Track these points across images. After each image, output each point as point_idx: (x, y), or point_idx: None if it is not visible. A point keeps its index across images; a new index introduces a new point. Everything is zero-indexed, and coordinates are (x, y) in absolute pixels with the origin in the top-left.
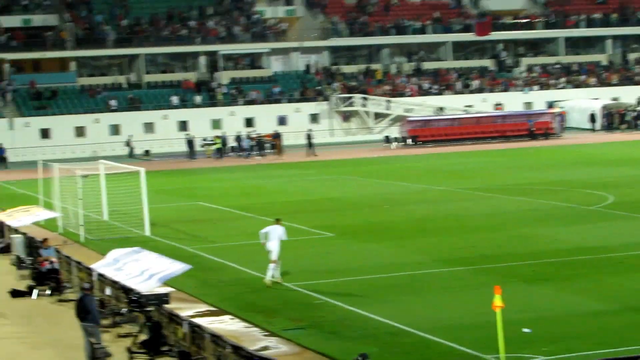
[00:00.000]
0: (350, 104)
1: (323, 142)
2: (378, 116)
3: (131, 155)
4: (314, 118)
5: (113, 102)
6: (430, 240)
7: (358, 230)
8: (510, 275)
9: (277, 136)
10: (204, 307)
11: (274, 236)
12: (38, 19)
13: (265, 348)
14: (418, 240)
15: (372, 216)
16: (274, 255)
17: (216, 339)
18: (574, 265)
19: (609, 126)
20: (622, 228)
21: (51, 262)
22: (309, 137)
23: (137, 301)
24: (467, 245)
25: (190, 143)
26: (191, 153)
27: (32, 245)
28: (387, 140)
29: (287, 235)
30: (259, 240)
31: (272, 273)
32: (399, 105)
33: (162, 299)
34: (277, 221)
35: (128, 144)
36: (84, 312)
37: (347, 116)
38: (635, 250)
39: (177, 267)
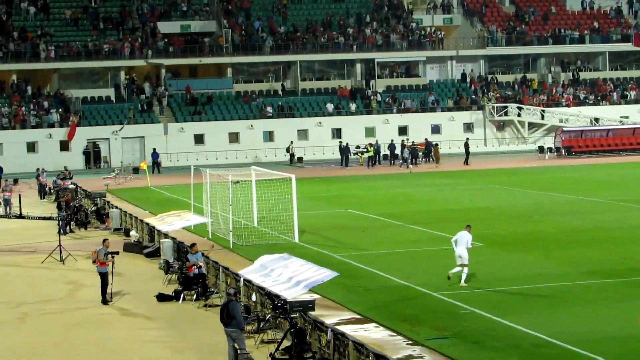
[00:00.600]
0: (505, 114)
1: (476, 152)
2: (532, 126)
3: (292, 162)
4: (468, 127)
5: (269, 109)
6: (579, 251)
7: (507, 240)
8: None
9: (431, 145)
10: (349, 315)
11: (462, 242)
12: (196, 25)
13: (409, 357)
14: (567, 252)
15: (522, 226)
16: (463, 261)
17: (359, 346)
18: None
19: None
20: None
21: (199, 267)
22: (466, 146)
23: (282, 307)
24: (617, 258)
25: (343, 150)
26: (344, 160)
27: (181, 250)
28: (541, 150)
29: (472, 243)
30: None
31: (464, 277)
32: (554, 115)
33: (307, 305)
34: (467, 227)
35: (289, 150)
36: (228, 317)
37: (500, 125)
38: None
39: (324, 275)
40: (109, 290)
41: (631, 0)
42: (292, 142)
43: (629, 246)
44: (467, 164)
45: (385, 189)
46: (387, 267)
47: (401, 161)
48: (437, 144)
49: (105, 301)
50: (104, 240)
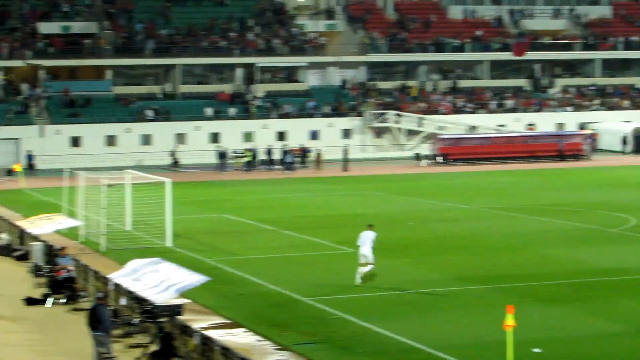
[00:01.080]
0: (383, 120)
1: (354, 158)
2: (411, 133)
3: (173, 166)
4: (347, 133)
5: (149, 112)
6: (450, 258)
7: (380, 246)
8: (526, 295)
9: (308, 150)
10: (218, 320)
11: (366, 241)
12: (77, 27)
13: None
14: (437, 258)
15: (395, 233)
16: (368, 260)
17: (226, 351)
18: (591, 287)
19: (639, 149)
20: None
21: (68, 271)
22: (345, 152)
23: (149, 312)
24: (486, 264)
25: (221, 155)
26: (221, 165)
27: (51, 253)
28: (418, 157)
29: (375, 242)
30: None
31: (360, 275)
32: (432, 123)
33: (175, 310)
34: (370, 227)
35: (173, 154)
36: (95, 321)
37: (379, 132)
38: None
39: (195, 279)
40: None
41: (512, 10)
42: (177, 146)
43: (498, 253)
44: (346, 170)
45: (262, 194)
46: (259, 272)
47: (281, 166)
48: (319, 151)
49: None
50: None
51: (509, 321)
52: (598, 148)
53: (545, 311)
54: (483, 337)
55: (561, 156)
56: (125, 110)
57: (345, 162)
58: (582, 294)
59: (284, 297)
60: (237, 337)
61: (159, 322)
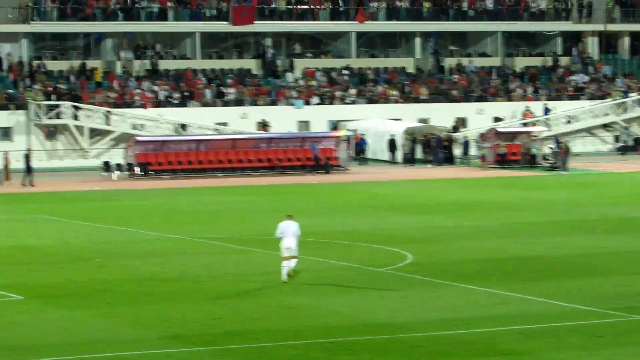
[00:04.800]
0: (57, 115)
1: (15, 168)
2: (96, 133)
3: None
4: (6, 133)
5: None
6: (157, 308)
7: (58, 291)
8: None
9: None
10: None
11: (289, 233)
12: None
13: None
14: (140, 308)
15: (79, 273)
16: (292, 252)
17: None
18: (354, 349)
19: (412, 158)
20: (419, 298)
21: None
22: (27, 158)
23: None
24: (210, 317)
25: None
26: None
27: None
28: (107, 167)
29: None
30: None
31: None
32: (125, 120)
33: None
34: (289, 216)
35: None
36: None
37: (52, 132)
38: (435, 331)
39: None
40: None
41: None
42: None
43: (227, 301)
44: (32, 185)
45: None
46: None
47: None
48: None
49: None
50: None
51: None
52: (359, 156)
53: None
54: None
55: (314, 166)
56: None
57: (28, 172)
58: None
59: None
60: None
61: None
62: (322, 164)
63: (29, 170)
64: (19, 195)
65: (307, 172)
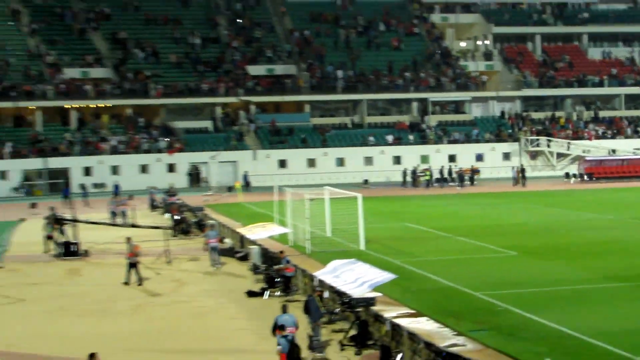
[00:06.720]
0: (537, 145)
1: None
2: (560, 156)
3: (364, 184)
4: (506, 156)
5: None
6: (597, 260)
7: (537, 250)
8: None
9: (477, 170)
10: (404, 310)
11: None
12: (279, 69)
13: (453, 345)
14: (586, 261)
15: (550, 239)
16: None
17: (412, 335)
18: None
19: None
20: None
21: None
22: (522, 170)
23: (348, 303)
24: (629, 266)
25: (404, 174)
26: (405, 182)
27: (267, 255)
28: (567, 176)
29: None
30: None
31: None
32: (578, 147)
33: (369, 301)
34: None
35: (415, 172)
36: (306, 311)
37: (534, 155)
38: None
39: (384, 276)
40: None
41: None
42: (418, 166)
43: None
44: (524, 186)
45: (438, 206)
46: (436, 271)
47: (453, 183)
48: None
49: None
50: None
51: None
52: None
53: None
54: (630, 325)
55: None
56: (322, 137)
57: (523, 178)
58: None
59: (458, 292)
60: (421, 325)
61: (356, 311)
62: None
63: (523, 177)
64: (512, 193)
65: None
